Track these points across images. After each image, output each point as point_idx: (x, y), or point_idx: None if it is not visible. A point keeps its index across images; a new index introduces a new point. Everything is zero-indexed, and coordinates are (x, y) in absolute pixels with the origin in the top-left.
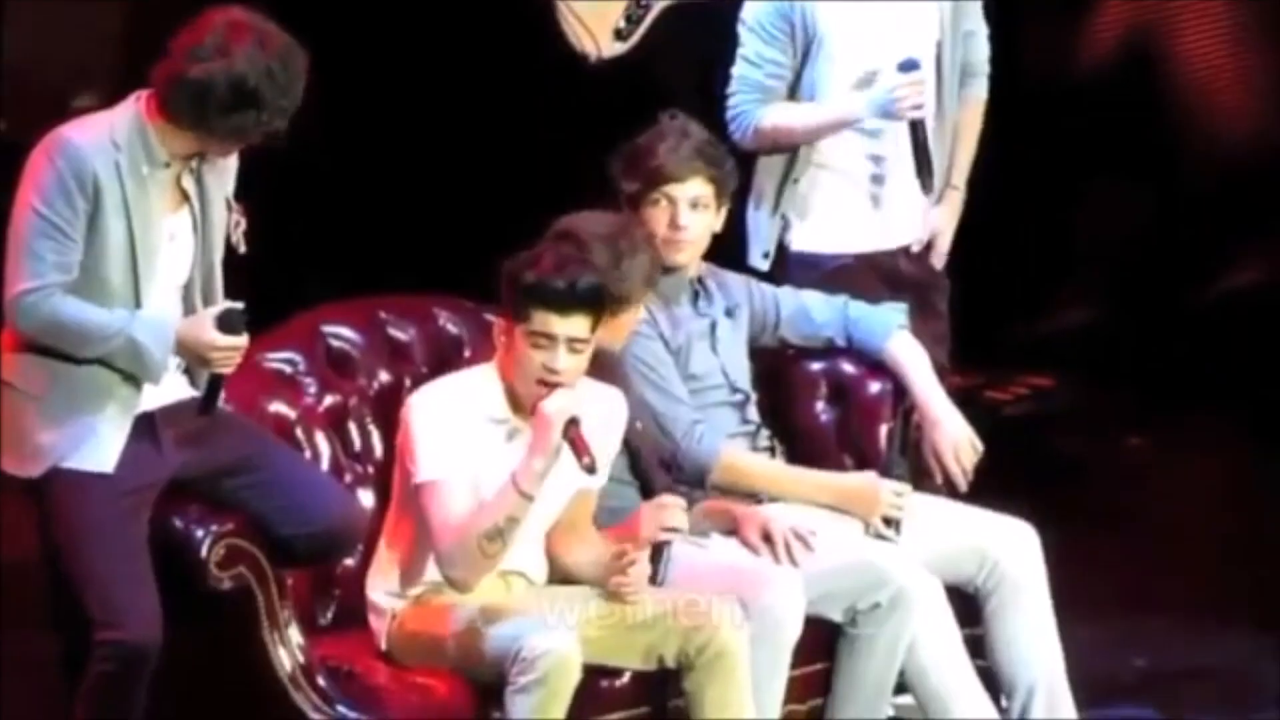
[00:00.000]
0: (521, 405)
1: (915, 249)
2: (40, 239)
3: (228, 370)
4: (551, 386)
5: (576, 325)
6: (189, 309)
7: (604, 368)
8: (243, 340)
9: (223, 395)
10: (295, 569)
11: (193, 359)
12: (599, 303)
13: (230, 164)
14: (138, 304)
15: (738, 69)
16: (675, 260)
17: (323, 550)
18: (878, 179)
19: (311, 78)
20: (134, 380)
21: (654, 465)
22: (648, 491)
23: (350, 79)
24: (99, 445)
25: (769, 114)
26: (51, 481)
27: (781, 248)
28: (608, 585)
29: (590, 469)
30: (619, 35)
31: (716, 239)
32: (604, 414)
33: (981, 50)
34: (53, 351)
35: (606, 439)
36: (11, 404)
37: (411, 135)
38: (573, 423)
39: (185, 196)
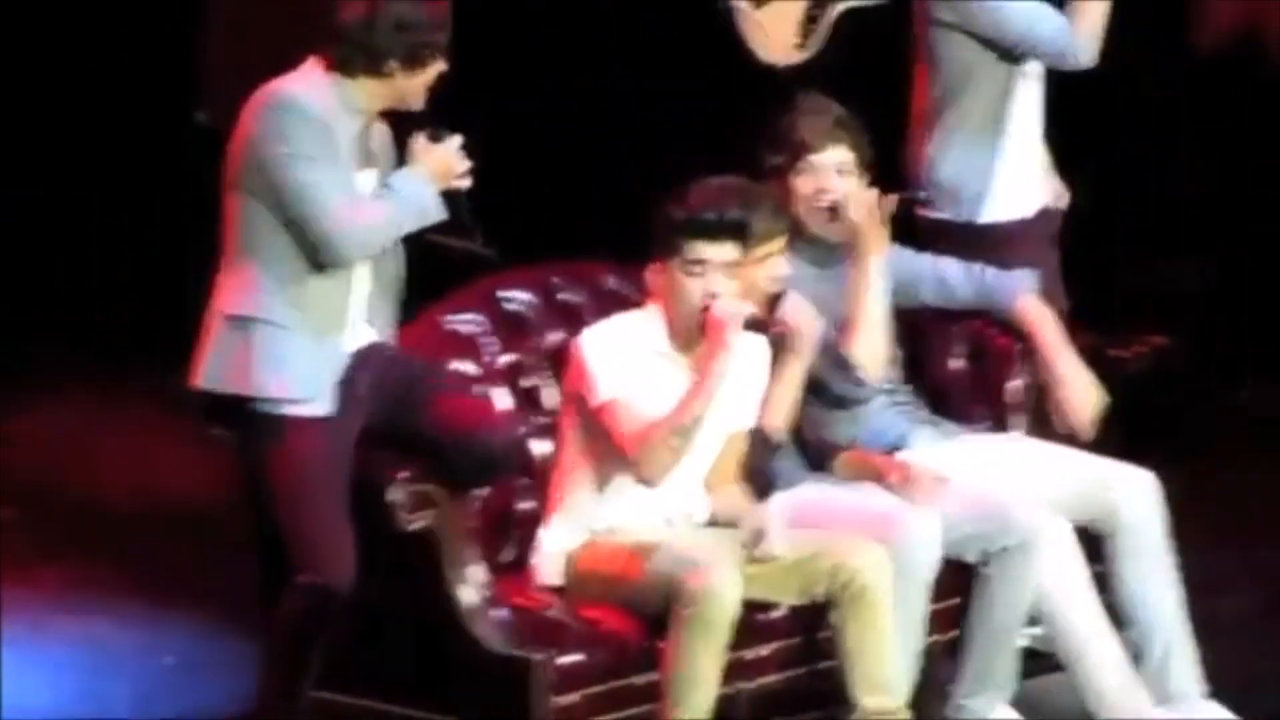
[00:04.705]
0: (683, 341)
1: (1054, 203)
2: (307, 174)
3: (464, 171)
4: None
5: (727, 251)
6: (380, 269)
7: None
8: (457, 139)
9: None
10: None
11: (440, 177)
12: (744, 231)
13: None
14: None
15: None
16: (825, 229)
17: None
18: (1031, 140)
19: (509, 67)
20: (340, 325)
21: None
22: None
23: (547, 68)
24: (319, 389)
25: None
26: (273, 424)
27: (935, 221)
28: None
29: (765, 330)
30: (799, 45)
31: None
32: (747, 359)
33: None
34: (283, 292)
35: (751, 381)
36: (252, 337)
37: (596, 125)
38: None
39: (369, 155)
